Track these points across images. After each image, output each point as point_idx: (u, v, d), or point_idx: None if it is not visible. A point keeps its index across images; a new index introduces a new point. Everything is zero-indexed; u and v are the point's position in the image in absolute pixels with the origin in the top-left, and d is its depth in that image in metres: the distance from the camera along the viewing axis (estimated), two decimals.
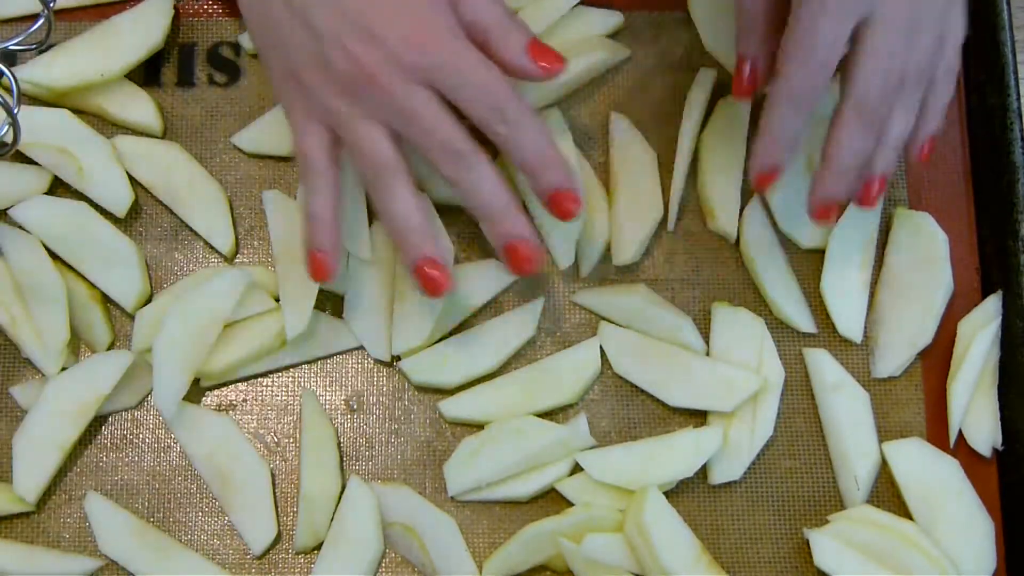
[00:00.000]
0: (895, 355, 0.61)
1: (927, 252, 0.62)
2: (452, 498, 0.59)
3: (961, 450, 0.60)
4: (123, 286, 0.61)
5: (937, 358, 0.62)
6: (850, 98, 0.54)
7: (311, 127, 0.56)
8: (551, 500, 0.59)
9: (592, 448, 0.59)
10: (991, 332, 0.60)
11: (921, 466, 0.59)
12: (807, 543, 0.58)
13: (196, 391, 0.61)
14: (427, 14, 0.53)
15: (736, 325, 0.61)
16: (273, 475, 0.60)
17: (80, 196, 0.62)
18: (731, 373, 0.60)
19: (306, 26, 0.54)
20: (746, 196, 0.63)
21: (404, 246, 0.56)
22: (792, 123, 0.55)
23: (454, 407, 0.60)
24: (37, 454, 0.58)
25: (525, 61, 0.54)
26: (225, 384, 0.61)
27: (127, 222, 0.62)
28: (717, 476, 0.59)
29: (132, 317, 0.61)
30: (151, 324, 0.60)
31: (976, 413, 0.60)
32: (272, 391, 0.61)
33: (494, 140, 0.55)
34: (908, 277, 0.62)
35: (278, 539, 0.59)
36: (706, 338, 0.61)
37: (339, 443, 0.60)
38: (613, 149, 0.64)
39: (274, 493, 0.59)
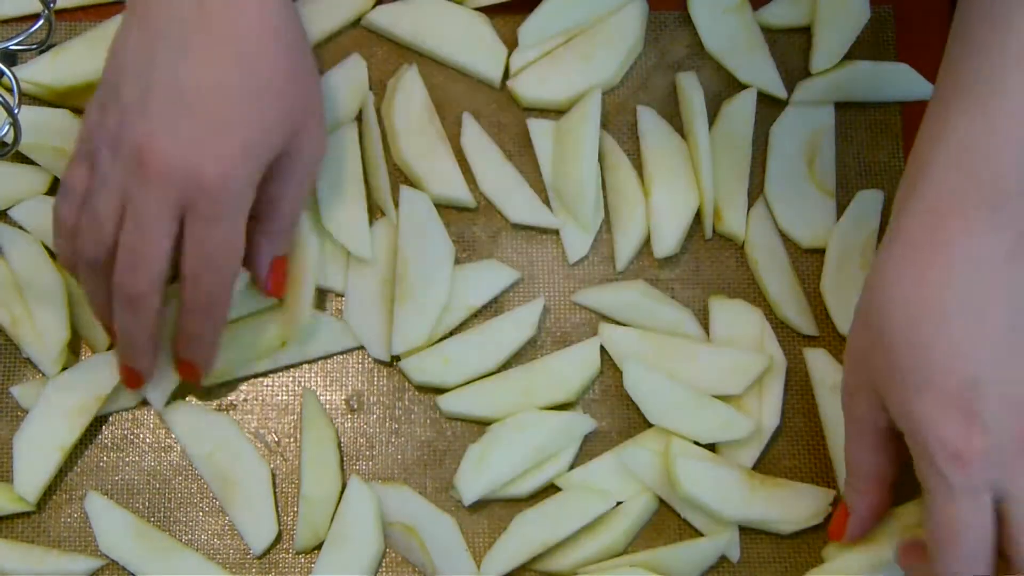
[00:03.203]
0: None
1: None
2: (457, 501, 0.59)
3: None
4: None
5: None
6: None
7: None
8: (551, 496, 0.59)
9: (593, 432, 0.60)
10: None
11: None
12: (807, 542, 0.58)
13: (197, 391, 0.61)
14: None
15: (734, 315, 0.61)
16: (273, 475, 0.59)
17: None
18: (737, 355, 0.60)
19: None
20: (751, 197, 0.63)
21: None
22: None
23: (453, 403, 0.60)
24: (37, 454, 0.58)
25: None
26: (225, 384, 0.61)
27: None
28: None
29: None
30: None
31: None
32: (272, 391, 0.61)
33: (181, 296, 0.54)
34: None
35: (278, 539, 0.59)
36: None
37: (339, 443, 0.60)
38: (644, 141, 0.64)
39: (275, 493, 0.59)
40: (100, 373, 0.59)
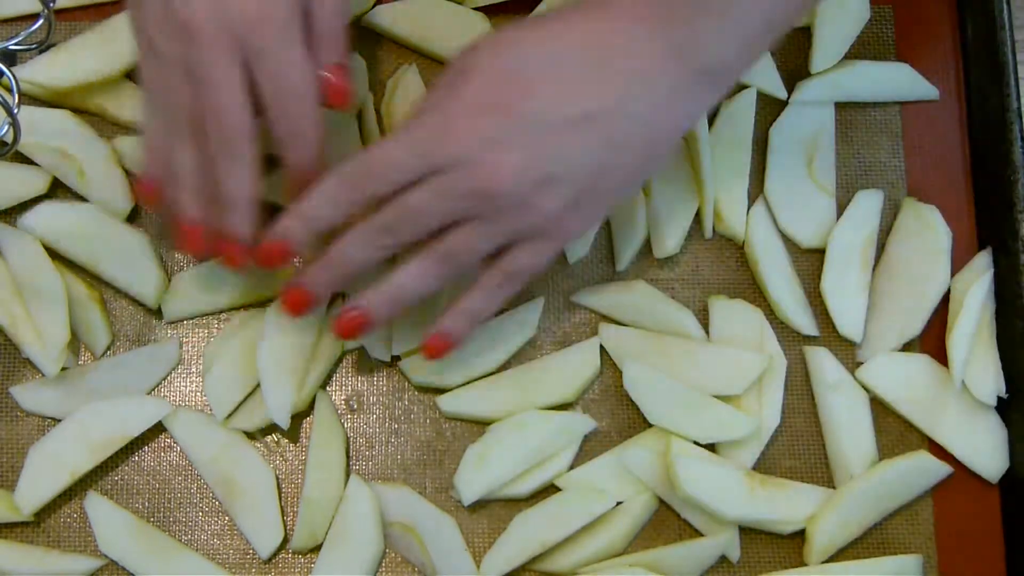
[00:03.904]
0: (882, 342, 0.61)
1: (929, 245, 0.62)
2: (457, 501, 0.59)
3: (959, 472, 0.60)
4: (143, 282, 0.60)
5: (934, 353, 0.62)
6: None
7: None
8: (551, 496, 0.59)
9: (592, 430, 0.60)
10: (984, 285, 0.60)
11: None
12: (806, 541, 0.58)
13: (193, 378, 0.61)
14: None
15: (734, 315, 0.61)
16: (276, 476, 0.59)
17: (81, 197, 0.62)
18: (738, 355, 0.60)
19: None
20: (751, 197, 0.63)
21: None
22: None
23: (453, 402, 0.60)
24: (48, 472, 0.58)
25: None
26: None
27: (128, 221, 0.62)
28: None
29: (130, 317, 0.61)
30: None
31: (977, 364, 0.60)
32: None
33: (274, 136, 0.54)
34: (907, 267, 0.62)
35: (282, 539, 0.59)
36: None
37: (347, 448, 0.60)
38: None
39: (279, 496, 0.59)
40: (135, 416, 0.59)
